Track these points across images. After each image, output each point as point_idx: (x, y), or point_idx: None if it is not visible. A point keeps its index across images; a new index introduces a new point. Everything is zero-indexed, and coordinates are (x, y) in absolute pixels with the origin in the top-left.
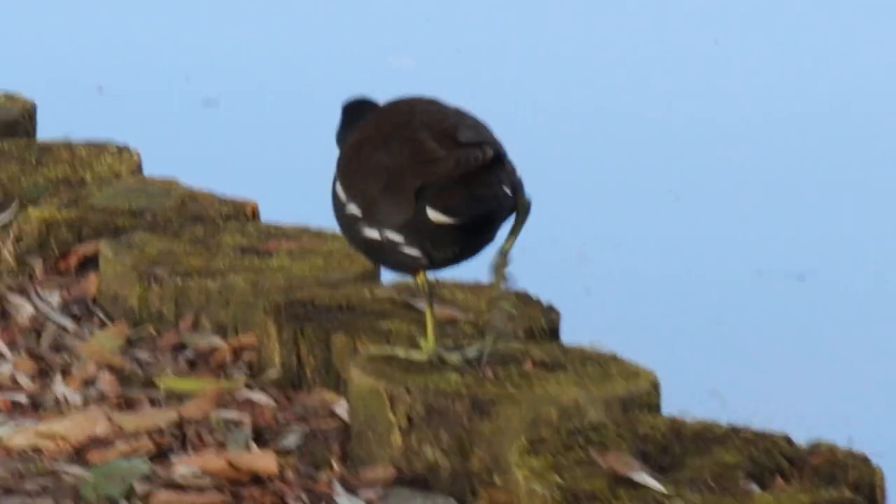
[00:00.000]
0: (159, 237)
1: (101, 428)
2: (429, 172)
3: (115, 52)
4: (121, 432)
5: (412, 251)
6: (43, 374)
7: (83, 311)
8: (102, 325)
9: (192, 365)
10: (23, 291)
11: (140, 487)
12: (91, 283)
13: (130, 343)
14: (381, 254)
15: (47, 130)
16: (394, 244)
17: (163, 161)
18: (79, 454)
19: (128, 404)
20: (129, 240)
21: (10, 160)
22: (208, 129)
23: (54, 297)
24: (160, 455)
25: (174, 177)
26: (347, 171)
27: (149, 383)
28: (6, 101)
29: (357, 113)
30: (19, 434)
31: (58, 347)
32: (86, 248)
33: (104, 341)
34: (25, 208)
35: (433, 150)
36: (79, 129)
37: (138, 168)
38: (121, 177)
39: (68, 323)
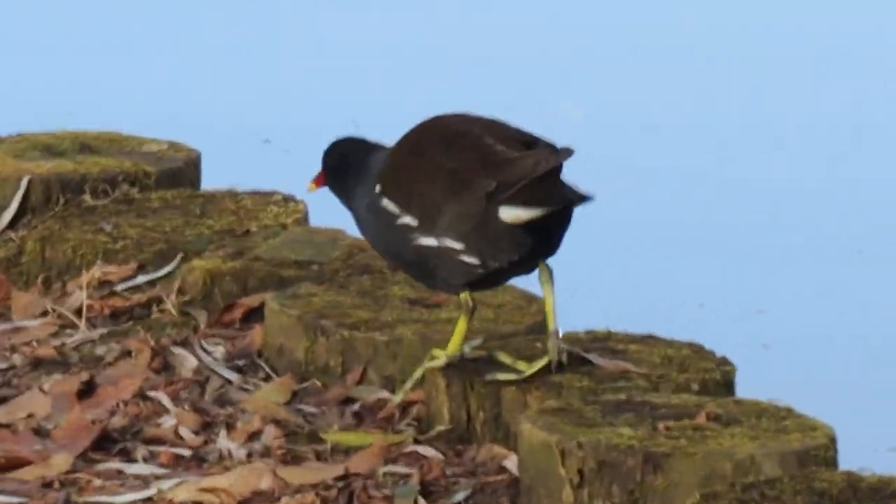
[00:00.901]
0: (326, 289)
1: (265, 482)
2: (506, 172)
3: (282, 103)
4: (286, 487)
5: (470, 259)
6: (206, 427)
7: (248, 364)
8: (267, 378)
9: (359, 419)
10: (186, 344)
11: None
12: (256, 336)
13: (296, 396)
14: (434, 263)
15: (212, 181)
16: (452, 251)
17: (330, 212)
18: None
19: (293, 459)
20: (295, 291)
21: (173, 210)
22: None
23: (218, 350)
24: None
25: (341, 227)
26: (400, 183)
27: (315, 437)
28: (171, 151)
29: (358, 151)
30: (182, 488)
31: (222, 401)
32: (251, 300)
33: (269, 395)
34: (189, 259)
35: (504, 152)
36: (244, 180)
37: (304, 218)
38: (287, 227)
39: (233, 376)
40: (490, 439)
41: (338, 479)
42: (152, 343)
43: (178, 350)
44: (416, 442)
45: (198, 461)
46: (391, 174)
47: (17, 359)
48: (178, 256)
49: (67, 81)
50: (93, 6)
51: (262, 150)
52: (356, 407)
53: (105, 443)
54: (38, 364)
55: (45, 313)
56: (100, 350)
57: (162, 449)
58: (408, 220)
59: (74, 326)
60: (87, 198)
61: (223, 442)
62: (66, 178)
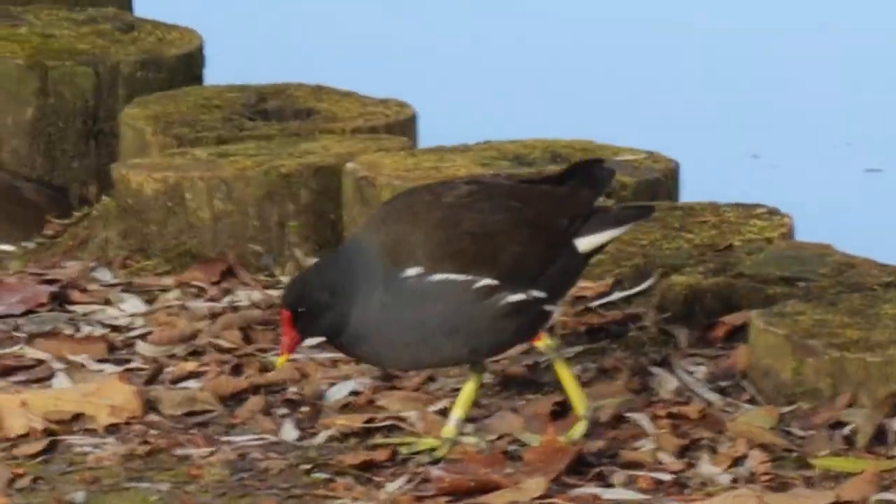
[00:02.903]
0: (814, 307)
1: None
2: (574, 204)
3: (772, 119)
4: None
5: (551, 307)
6: (687, 451)
7: (731, 385)
8: (752, 400)
9: (849, 443)
10: (665, 364)
11: None
12: (740, 356)
13: (783, 420)
14: (521, 318)
15: (692, 195)
16: (539, 301)
17: (818, 226)
18: None
19: (780, 485)
20: (781, 309)
21: (652, 224)
22: (868, 197)
23: (700, 370)
24: None
25: (829, 242)
26: (458, 250)
27: (803, 463)
28: (648, 161)
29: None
30: None
31: (704, 423)
32: (734, 319)
33: (754, 418)
34: (668, 275)
35: (557, 189)
36: (726, 194)
37: (790, 233)
38: (771, 242)
39: (714, 398)
40: None
41: None
42: (630, 362)
43: (656, 370)
44: None
45: (679, 486)
46: (428, 249)
47: (486, 377)
48: (657, 272)
49: None
50: None
51: (749, 165)
52: (846, 431)
53: (580, 466)
54: (508, 383)
55: None
56: (575, 369)
57: (640, 473)
58: (486, 281)
59: None
60: None
61: (706, 467)
62: None
